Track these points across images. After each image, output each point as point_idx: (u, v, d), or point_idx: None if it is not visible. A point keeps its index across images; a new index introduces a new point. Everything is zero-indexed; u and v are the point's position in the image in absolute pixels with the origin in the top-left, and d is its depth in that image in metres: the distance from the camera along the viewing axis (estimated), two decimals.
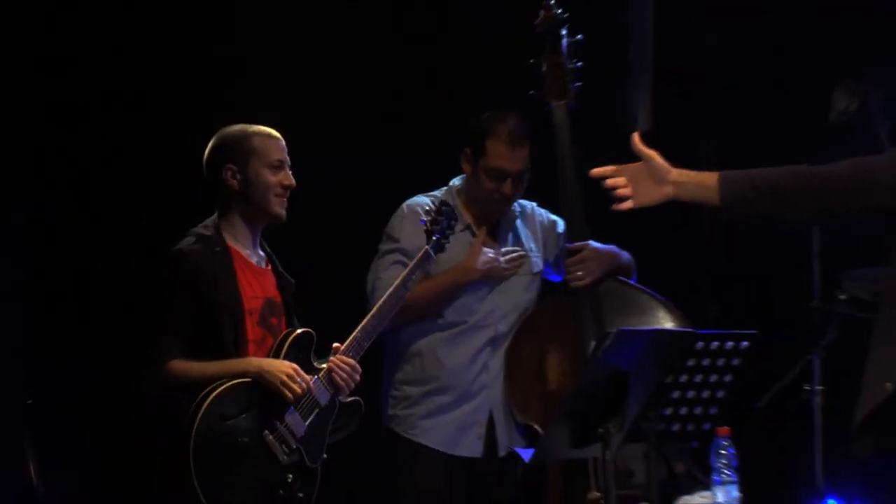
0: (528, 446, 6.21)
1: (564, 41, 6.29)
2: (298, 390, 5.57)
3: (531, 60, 6.29)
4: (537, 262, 6.58)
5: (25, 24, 7.11)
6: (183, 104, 7.43)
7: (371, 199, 6.89)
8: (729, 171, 5.20)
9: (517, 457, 6.20)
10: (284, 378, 5.54)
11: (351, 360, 5.73)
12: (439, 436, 6.46)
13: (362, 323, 5.83)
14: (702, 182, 5.15)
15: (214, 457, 5.53)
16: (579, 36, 6.31)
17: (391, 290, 5.93)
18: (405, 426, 6.48)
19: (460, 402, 6.46)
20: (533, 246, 6.61)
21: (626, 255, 6.51)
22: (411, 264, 6.04)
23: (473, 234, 6.51)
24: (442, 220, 6.13)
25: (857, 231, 6.45)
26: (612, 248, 6.40)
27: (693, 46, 7.87)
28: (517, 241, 6.60)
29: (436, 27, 7.78)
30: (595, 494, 5.59)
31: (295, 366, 5.58)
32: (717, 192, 5.11)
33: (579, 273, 6.20)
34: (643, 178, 5.17)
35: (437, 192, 6.52)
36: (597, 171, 5.21)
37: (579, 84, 6.31)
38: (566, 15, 6.28)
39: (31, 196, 7.20)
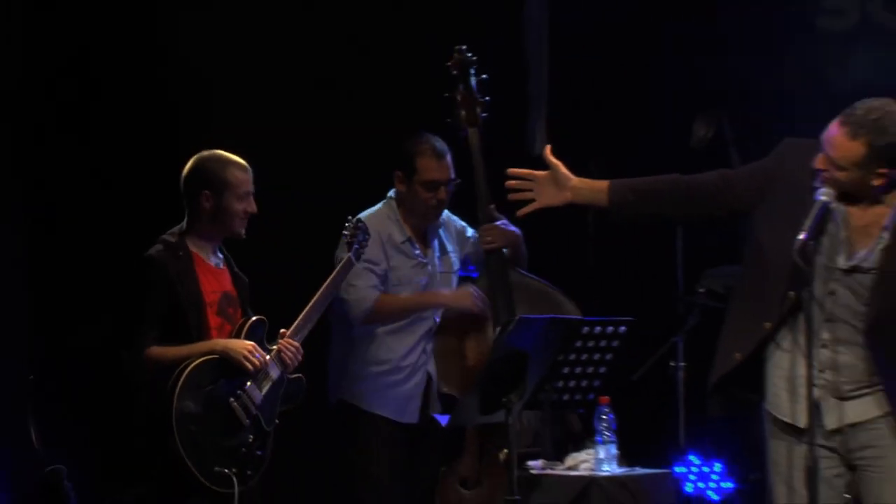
0: (446, 413, 6.32)
1: (473, 79, 6.30)
2: (257, 363, 5.62)
3: (446, 94, 6.30)
4: (456, 260, 6.63)
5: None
6: (161, 125, 7.46)
7: (312, 212, 7.05)
8: (617, 179, 5.34)
9: (437, 422, 6.39)
10: (246, 353, 5.62)
11: (295, 343, 5.78)
12: (391, 406, 6.47)
13: (303, 312, 5.88)
14: (594, 187, 5.31)
15: (192, 419, 5.60)
16: (484, 76, 6.31)
17: (323, 288, 5.95)
18: (361, 399, 6.50)
19: (407, 378, 6.48)
20: (451, 247, 6.63)
21: (524, 247, 6.53)
22: (338, 268, 6.05)
23: (413, 244, 6.50)
24: (359, 234, 6.15)
25: (713, 236, 6.76)
26: (514, 229, 6.41)
27: (582, 82, 7.92)
28: (441, 243, 6.63)
29: (370, 68, 7.69)
30: (504, 452, 5.79)
31: (254, 343, 5.66)
32: (606, 196, 5.28)
33: (489, 238, 6.22)
34: (548, 183, 5.32)
35: (379, 205, 6.54)
36: (513, 170, 5.37)
37: (486, 114, 6.29)
38: (475, 57, 6.29)
39: (31, 211, 7.20)
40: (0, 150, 7.20)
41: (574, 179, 5.33)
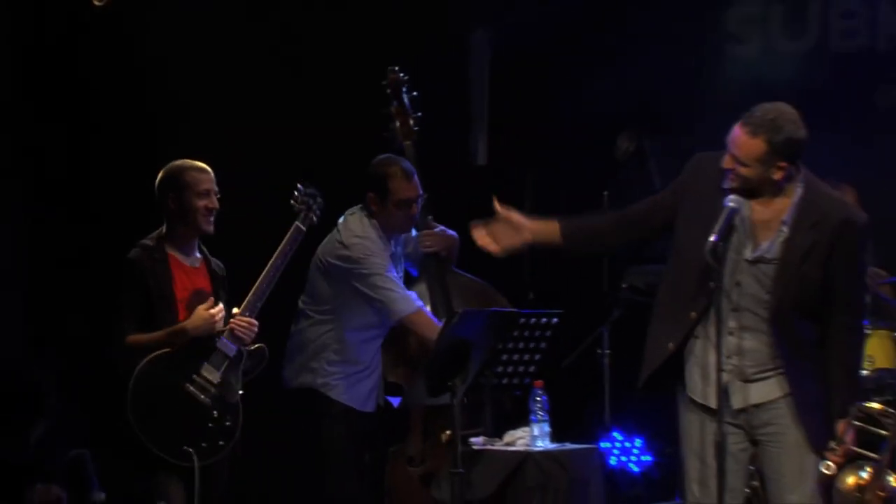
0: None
1: (406, 97, 6.25)
2: (218, 317, 5.72)
3: (383, 110, 6.28)
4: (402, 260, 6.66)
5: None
6: (138, 140, 7.48)
7: (271, 209, 6.70)
8: (566, 221, 5.44)
9: (389, 404, 6.46)
10: (206, 315, 5.71)
11: (247, 318, 5.78)
12: (359, 398, 6.43)
13: (254, 287, 5.89)
14: (548, 229, 5.41)
15: (146, 405, 5.69)
16: (415, 93, 6.29)
17: (273, 260, 5.92)
18: (334, 391, 6.41)
19: (370, 374, 6.46)
20: (400, 249, 6.57)
21: (457, 249, 6.49)
22: (286, 238, 6.00)
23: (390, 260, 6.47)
24: (308, 199, 6.10)
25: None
26: (452, 233, 6.39)
27: (520, 99, 7.94)
28: (396, 244, 6.58)
29: (326, 84, 7.67)
30: (447, 433, 5.93)
31: (209, 303, 5.73)
32: (559, 238, 5.40)
33: (428, 242, 6.21)
34: (506, 229, 5.38)
35: (358, 219, 6.37)
36: (474, 230, 5.42)
37: (418, 128, 6.27)
38: (407, 77, 6.26)
39: (31, 211, 7.11)
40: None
41: (528, 223, 5.43)
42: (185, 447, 5.69)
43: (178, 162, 6.00)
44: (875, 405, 6.55)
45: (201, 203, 5.86)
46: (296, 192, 6.14)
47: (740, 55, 8.15)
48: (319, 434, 6.47)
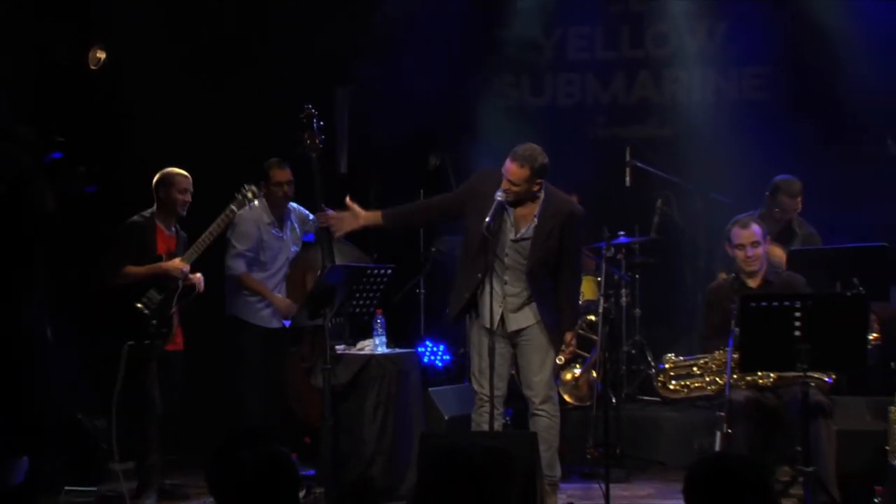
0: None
1: (315, 125, 6.08)
2: (180, 272, 5.84)
3: (297, 132, 6.11)
4: (300, 234, 6.59)
5: None
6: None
7: (204, 201, 6.41)
8: (388, 210, 5.65)
9: (285, 327, 6.45)
10: (179, 265, 5.87)
11: (185, 264, 5.87)
12: (266, 318, 6.45)
13: (192, 245, 5.95)
14: (375, 216, 5.63)
15: (114, 316, 5.84)
16: (322, 122, 6.12)
17: (209, 230, 5.92)
18: (247, 314, 6.42)
19: (266, 304, 6.42)
20: (297, 226, 6.54)
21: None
22: (220, 215, 5.95)
23: (274, 225, 6.41)
24: (239, 195, 6.05)
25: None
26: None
27: (368, 131, 7.75)
28: (291, 224, 6.54)
29: (253, 116, 7.38)
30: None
31: (181, 263, 5.87)
32: (382, 221, 5.62)
33: (322, 220, 5.94)
34: (350, 217, 5.61)
35: (256, 202, 6.28)
36: (328, 216, 5.63)
37: (322, 146, 6.10)
38: (317, 112, 6.10)
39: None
40: None
41: (362, 213, 5.61)
42: (130, 342, 5.77)
43: (169, 168, 6.08)
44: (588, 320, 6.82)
45: (181, 198, 6.03)
46: (242, 188, 6.11)
47: (502, 105, 8.17)
48: (235, 347, 6.45)
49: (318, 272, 6.09)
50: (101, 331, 5.85)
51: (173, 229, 6.16)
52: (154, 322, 5.87)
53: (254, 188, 6.12)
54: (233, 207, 6.07)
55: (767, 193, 6.65)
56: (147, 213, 6.09)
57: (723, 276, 6.23)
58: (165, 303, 5.90)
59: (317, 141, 6.07)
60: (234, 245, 6.43)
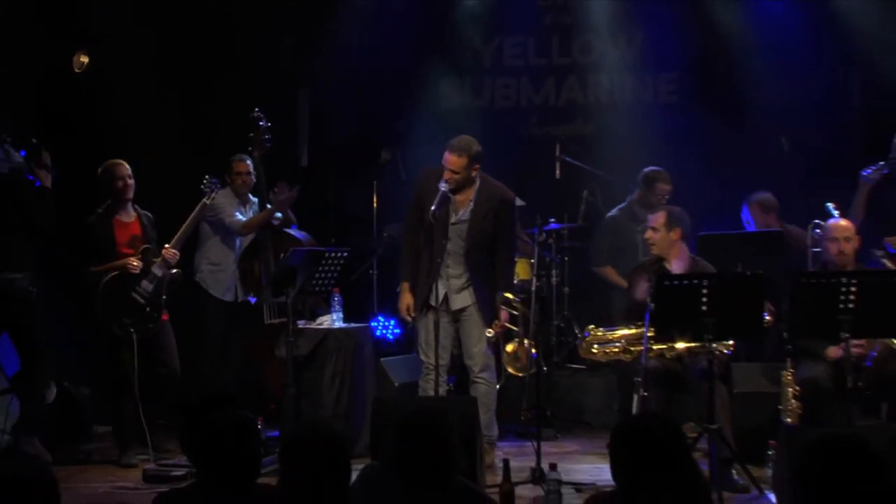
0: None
1: (262, 125, 6.14)
2: (135, 266, 5.79)
3: (250, 134, 6.22)
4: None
5: None
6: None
7: (174, 190, 6.46)
8: (409, 277, 5.50)
9: (249, 302, 6.39)
10: (129, 262, 5.81)
11: (173, 250, 5.86)
12: (224, 291, 6.46)
13: (178, 233, 5.92)
14: (408, 288, 5.51)
15: (111, 304, 5.80)
16: (269, 123, 6.15)
17: (189, 219, 5.92)
18: (209, 286, 6.46)
19: (229, 274, 6.44)
20: (256, 210, 6.49)
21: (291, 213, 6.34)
22: (197, 207, 5.93)
23: (241, 210, 6.43)
24: (210, 185, 6.02)
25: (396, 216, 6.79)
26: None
27: (326, 129, 7.79)
28: (255, 211, 6.52)
29: (207, 115, 7.30)
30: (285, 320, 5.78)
31: (137, 258, 5.76)
32: (412, 282, 5.47)
33: (284, 195, 6.02)
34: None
35: (225, 190, 6.31)
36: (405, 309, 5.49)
37: (269, 145, 6.19)
38: (263, 115, 6.14)
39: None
40: None
41: (409, 298, 5.47)
42: (130, 328, 5.82)
43: (107, 161, 5.98)
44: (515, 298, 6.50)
45: (123, 184, 5.92)
46: (203, 181, 6.08)
47: (447, 105, 8.10)
48: (199, 315, 6.50)
49: (265, 259, 6.13)
50: (101, 314, 5.78)
51: (133, 213, 6.01)
52: (148, 309, 5.86)
53: (208, 178, 6.04)
54: (205, 201, 6.05)
55: (640, 183, 6.72)
56: (100, 209, 5.97)
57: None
58: (156, 291, 5.89)
59: (262, 139, 6.07)
60: (227, 215, 6.40)
